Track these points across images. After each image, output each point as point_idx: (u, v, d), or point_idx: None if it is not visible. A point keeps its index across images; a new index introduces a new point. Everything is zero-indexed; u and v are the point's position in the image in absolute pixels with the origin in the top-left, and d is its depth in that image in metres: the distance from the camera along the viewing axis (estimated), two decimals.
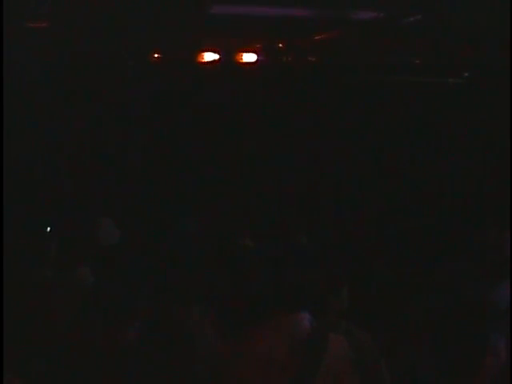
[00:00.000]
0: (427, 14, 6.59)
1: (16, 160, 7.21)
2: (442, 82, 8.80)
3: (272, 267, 3.35)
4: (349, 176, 8.90)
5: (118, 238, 5.12)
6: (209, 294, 3.94)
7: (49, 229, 5.35)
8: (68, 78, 7.96)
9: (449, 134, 8.83)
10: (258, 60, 8.19)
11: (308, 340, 3.18)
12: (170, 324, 3.73)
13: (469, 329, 2.94)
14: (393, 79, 8.73)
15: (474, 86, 8.61)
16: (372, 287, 4.94)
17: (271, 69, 8.33)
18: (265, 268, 3.71)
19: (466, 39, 7.41)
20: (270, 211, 7.63)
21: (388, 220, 7.98)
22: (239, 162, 8.87)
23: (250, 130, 8.99)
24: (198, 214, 6.41)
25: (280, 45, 8.19)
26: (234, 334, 3.41)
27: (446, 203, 8.35)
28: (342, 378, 3.17)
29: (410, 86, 8.74)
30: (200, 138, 8.90)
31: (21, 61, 7.13)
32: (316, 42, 7.86)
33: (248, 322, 3.40)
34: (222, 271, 4.09)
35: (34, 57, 7.41)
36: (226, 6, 6.54)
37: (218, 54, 8.08)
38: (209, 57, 8.09)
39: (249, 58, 8.18)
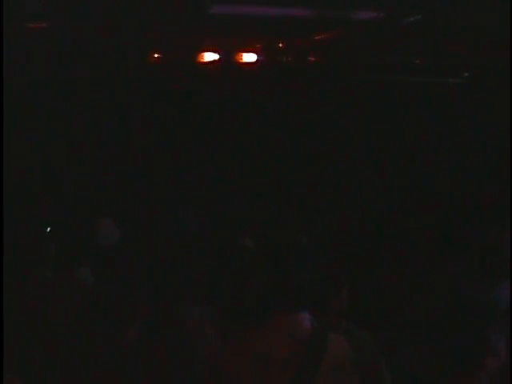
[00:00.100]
0: (427, 14, 6.59)
1: (16, 160, 7.21)
2: (442, 82, 8.80)
3: (272, 267, 3.35)
4: (349, 176, 8.90)
5: (118, 238, 5.13)
6: (209, 294, 3.94)
7: (49, 229, 5.36)
8: (68, 77, 7.96)
9: (449, 134, 8.83)
10: (258, 60, 8.19)
11: (308, 340, 3.18)
12: (170, 324, 3.73)
13: (469, 329, 2.94)
14: (393, 79, 8.73)
15: (474, 86, 8.61)
16: (372, 287, 4.95)
17: (271, 69, 8.32)
18: (265, 268, 3.71)
19: (466, 39, 7.41)
20: (270, 211, 7.63)
21: (388, 220, 7.98)
22: (239, 162, 8.87)
23: (250, 130, 8.99)
24: (198, 214, 6.40)
25: (280, 45, 8.19)
26: (233, 334, 3.40)
27: (445, 203, 8.35)
28: (342, 378, 3.17)
29: (410, 85, 8.74)
30: (200, 138, 8.91)
31: (21, 61, 7.13)
32: (316, 42, 7.85)
33: (248, 322, 3.40)
34: (221, 271, 4.09)
35: (33, 57, 7.41)
36: (226, 5, 6.54)
37: (218, 53, 8.08)
38: (209, 57, 8.09)
39: (249, 57, 8.17)
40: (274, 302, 3.27)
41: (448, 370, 2.99)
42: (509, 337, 2.99)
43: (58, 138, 8.40)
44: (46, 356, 3.91)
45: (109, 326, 3.58)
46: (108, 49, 7.77)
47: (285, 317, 3.24)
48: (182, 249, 4.85)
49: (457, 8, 6.30)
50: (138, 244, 5.15)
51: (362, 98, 8.75)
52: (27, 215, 6.94)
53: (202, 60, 8.11)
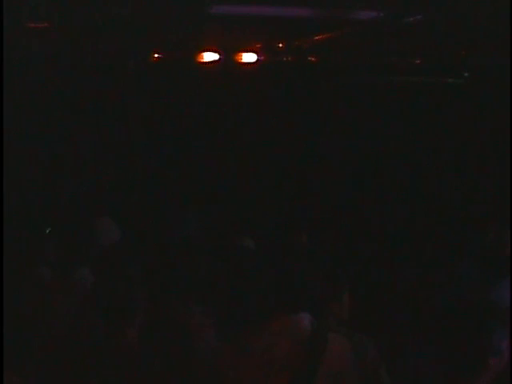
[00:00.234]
0: (427, 14, 6.59)
1: (16, 160, 7.21)
2: (441, 82, 8.81)
3: (272, 267, 3.35)
4: (350, 176, 8.90)
5: (118, 238, 5.12)
6: (209, 294, 3.94)
7: (48, 230, 5.36)
8: (68, 78, 7.96)
9: (449, 134, 8.83)
10: (258, 60, 8.19)
11: (308, 340, 3.18)
12: (170, 324, 3.73)
13: (472, 330, 2.94)
14: (393, 79, 8.73)
15: (474, 85, 8.61)
16: (372, 288, 4.94)
17: (271, 69, 8.33)
18: (265, 268, 3.71)
19: (466, 39, 7.41)
20: (270, 211, 7.63)
21: (388, 221, 7.97)
22: (239, 162, 8.87)
23: (250, 130, 8.99)
24: (199, 214, 6.40)
25: (280, 45, 8.19)
26: (234, 334, 3.41)
27: (445, 204, 8.34)
28: (342, 378, 3.17)
29: (410, 86, 8.74)
30: (200, 138, 8.91)
31: (21, 61, 7.13)
32: (316, 42, 7.85)
33: (248, 322, 3.40)
34: (222, 271, 4.09)
35: (33, 57, 7.41)
36: (226, 5, 6.53)
37: (218, 53, 8.08)
38: (209, 57, 8.09)
39: (249, 57, 8.18)
40: (273, 302, 3.27)
41: (451, 371, 2.99)
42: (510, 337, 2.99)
43: (59, 137, 8.40)
44: (46, 356, 3.91)
45: (109, 326, 3.58)
46: (108, 49, 7.77)
47: (285, 317, 3.24)
48: (183, 249, 4.85)
49: (457, 8, 6.30)
50: (138, 244, 5.15)
51: (362, 98, 8.75)
52: (27, 215, 6.94)
53: (201, 60, 8.11)
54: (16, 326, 3.99)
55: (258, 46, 8.16)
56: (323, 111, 8.91)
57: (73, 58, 7.71)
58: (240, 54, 8.15)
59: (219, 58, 8.10)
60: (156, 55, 8.19)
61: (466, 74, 8.73)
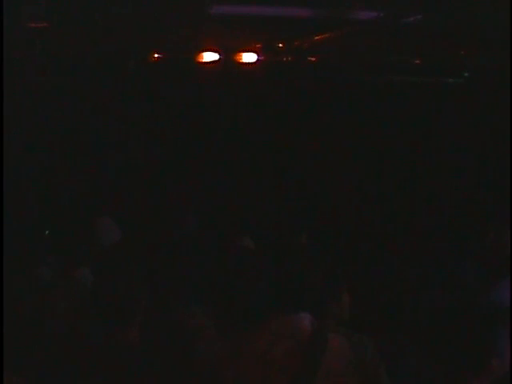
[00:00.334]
0: (427, 14, 6.59)
1: (16, 160, 7.21)
2: (441, 82, 8.80)
3: (272, 267, 3.35)
4: (350, 176, 8.90)
5: (118, 238, 5.12)
6: (209, 294, 3.94)
7: (47, 232, 5.36)
8: (68, 78, 7.96)
9: (449, 134, 8.83)
10: (258, 60, 8.19)
11: (308, 340, 3.18)
12: (171, 324, 3.73)
13: (475, 331, 2.94)
14: (393, 79, 8.72)
15: (474, 85, 8.61)
16: (372, 288, 4.94)
17: (271, 69, 8.32)
18: (265, 268, 3.70)
19: (465, 39, 7.41)
20: (270, 211, 7.63)
21: (388, 221, 7.97)
22: (239, 162, 8.87)
23: (250, 130, 8.99)
24: (199, 214, 6.40)
25: (280, 45, 8.18)
26: (233, 334, 3.40)
27: (445, 204, 8.34)
28: (342, 378, 3.17)
29: (410, 86, 8.74)
30: (200, 138, 8.91)
31: (21, 61, 7.13)
32: (316, 42, 7.85)
33: (248, 322, 3.40)
34: (222, 271, 4.09)
35: (33, 57, 7.40)
36: (225, 5, 6.54)
37: (218, 53, 8.08)
38: (209, 57, 8.09)
39: (249, 57, 8.17)
40: (274, 302, 3.27)
41: (452, 372, 2.99)
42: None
43: (59, 137, 8.40)
44: (46, 356, 3.91)
45: (109, 326, 3.58)
46: (108, 49, 7.77)
47: (285, 317, 3.24)
48: (182, 248, 4.85)
49: (457, 8, 6.30)
50: (138, 244, 5.15)
51: (362, 98, 8.75)
52: (27, 215, 6.94)
53: (201, 60, 8.11)
54: (16, 325, 3.99)
55: (258, 46, 8.16)
56: (323, 111, 8.91)
57: (73, 57, 7.71)
58: (240, 53, 8.15)
59: (219, 58, 8.10)
60: (156, 55, 8.19)
61: (465, 74, 8.73)
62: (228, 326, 3.67)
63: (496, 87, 7.91)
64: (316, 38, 7.77)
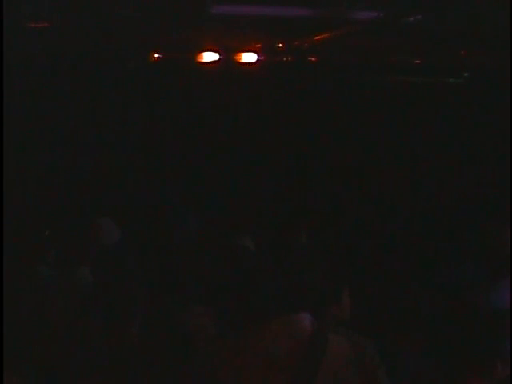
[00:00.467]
0: (427, 14, 6.59)
1: (16, 160, 7.21)
2: (441, 82, 8.80)
3: (272, 267, 3.35)
4: (350, 175, 8.90)
5: (118, 238, 5.12)
6: (209, 294, 3.94)
7: (47, 232, 5.35)
8: (68, 77, 7.96)
9: (449, 134, 8.83)
10: (258, 60, 8.19)
11: (308, 340, 3.18)
12: (171, 324, 3.73)
13: (481, 333, 2.93)
14: (393, 79, 8.72)
15: (473, 85, 8.61)
16: (372, 289, 4.94)
17: (271, 69, 8.32)
18: (265, 268, 3.71)
19: (466, 39, 7.41)
20: (270, 211, 7.63)
21: (387, 221, 7.97)
22: (239, 162, 8.87)
23: (250, 130, 8.99)
24: (199, 214, 6.41)
25: (280, 45, 8.18)
26: (234, 333, 3.41)
27: (445, 203, 8.34)
28: (341, 378, 3.17)
29: (410, 85, 8.74)
30: (200, 138, 8.90)
31: (21, 61, 7.12)
32: (316, 42, 7.85)
33: (248, 322, 3.40)
34: (222, 271, 4.09)
35: (33, 57, 7.40)
36: (225, 5, 6.54)
37: (218, 53, 8.08)
38: (209, 57, 8.09)
39: (249, 57, 8.17)
40: (274, 302, 3.27)
41: (454, 373, 2.98)
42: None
43: (59, 137, 8.40)
44: (47, 356, 3.91)
45: (109, 326, 3.58)
46: (108, 49, 7.77)
47: (285, 317, 3.24)
48: (183, 248, 4.85)
49: (457, 8, 6.30)
50: (137, 244, 5.15)
51: (362, 98, 8.75)
52: (27, 215, 6.93)
53: (201, 60, 8.10)
54: (16, 325, 3.99)
55: (258, 46, 8.16)
56: (323, 111, 8.91)
57: (73, 57, 7.71)
58: (240, 53, 8.15)
59: (219, 58, 8.10)
60: (156, 55, 8.19)
61: (465, 74, 8.73)
62: (228, 325, 3.67)
63: (496, 87, 7.91)
64: (316, 37, 7.77)
